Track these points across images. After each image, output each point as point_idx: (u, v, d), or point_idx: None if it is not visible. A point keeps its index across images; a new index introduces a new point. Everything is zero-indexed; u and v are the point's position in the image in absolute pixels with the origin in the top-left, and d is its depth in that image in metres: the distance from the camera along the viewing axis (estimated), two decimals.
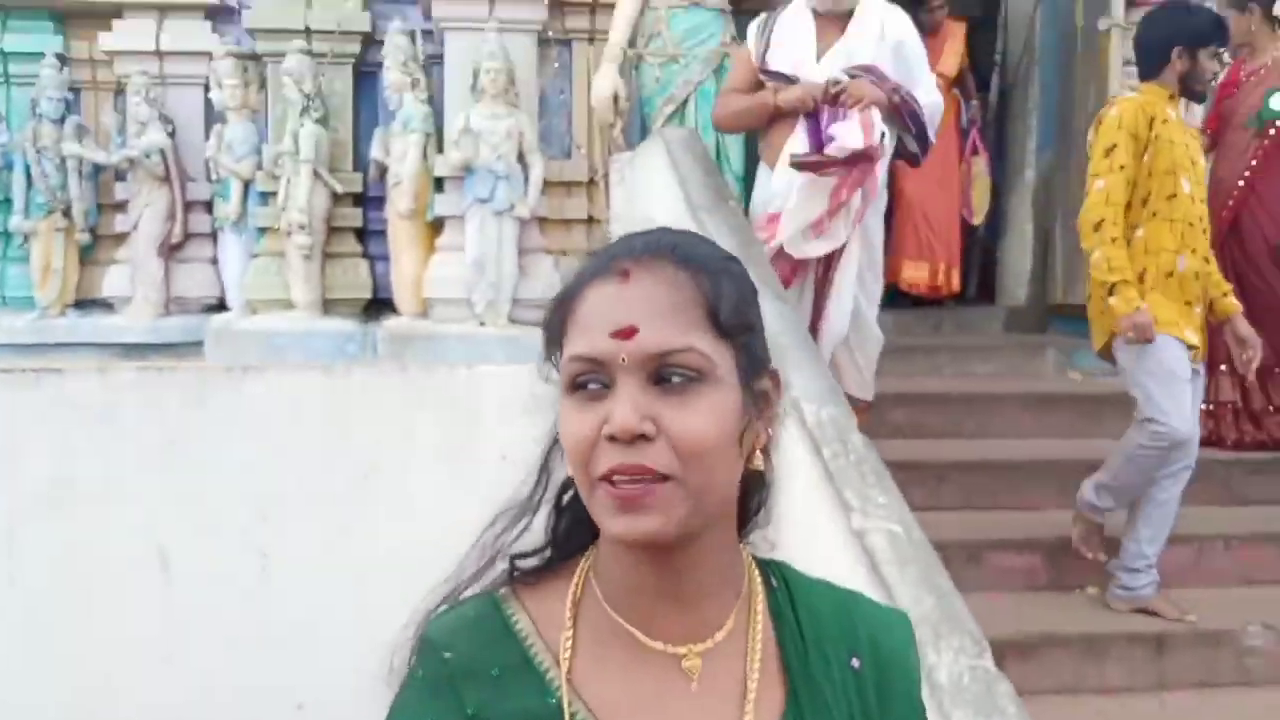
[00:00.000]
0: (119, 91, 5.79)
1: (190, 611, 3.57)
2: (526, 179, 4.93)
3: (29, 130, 5.57)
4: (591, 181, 5.16)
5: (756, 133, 3.98)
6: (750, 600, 0.89)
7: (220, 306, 5.56)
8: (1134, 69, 4.95)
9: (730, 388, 0.83)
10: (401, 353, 4.78)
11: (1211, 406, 4.14)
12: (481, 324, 4.84)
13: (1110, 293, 3.20)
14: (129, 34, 5.68)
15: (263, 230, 5.37)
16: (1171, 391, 3.26)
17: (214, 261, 5.63)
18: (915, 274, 5.41)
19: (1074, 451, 4.17)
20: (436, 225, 5.09)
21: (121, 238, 5.64)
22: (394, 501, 3.64)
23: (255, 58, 5.56)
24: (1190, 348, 3.34)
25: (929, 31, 5.28)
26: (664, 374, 0.81)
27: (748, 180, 4.79)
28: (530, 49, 5.12)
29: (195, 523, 3.60)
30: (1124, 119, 3.27)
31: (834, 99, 3.44)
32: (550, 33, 5.18)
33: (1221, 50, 3.42)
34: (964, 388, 4.52)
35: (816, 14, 3.52)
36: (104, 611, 3.56)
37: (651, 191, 4.35)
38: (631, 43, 4.86)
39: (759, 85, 3.70)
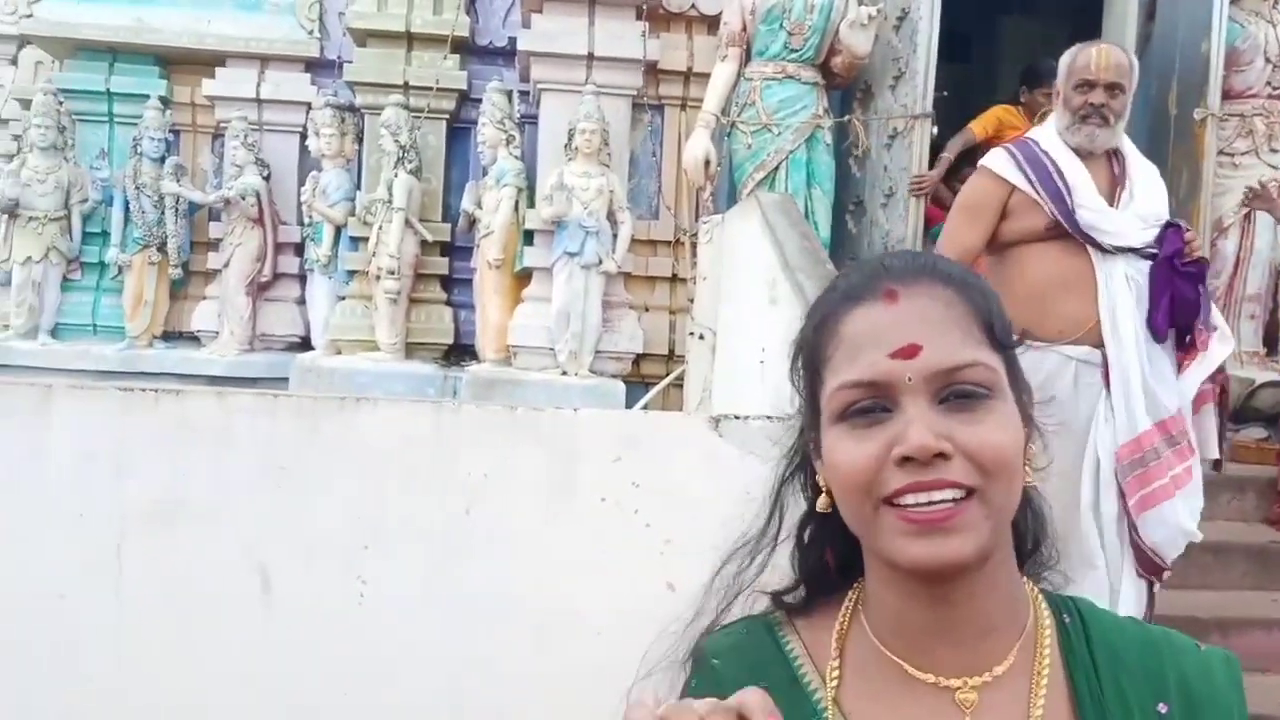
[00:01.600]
0: (217, 135, 6.04)
1: (288, 633, 3.61)
2: (615, 235, 5.07)
3: (129, 168, 5.79)
4: (678, 241, 5.30)
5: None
6: (1037, 636, 0.84)
7: (304, 345, 5.70)
8: (1226, 159, 5.12)
9: (1010, 400, 0.80)
10: (484, 397, 4.87)
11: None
12: (564, 373, 4.94)
13: None
14: (231, 81, 5.94)
15: (351, 273, 5.53)
16: None
17: (300, 301, 5.80)
18: None
19: None
20: (523, 276, 5.23)
21: (212, 274, 5.82)
22: (494, 538, 3.69)
23: (352, 109, 5.78)
24: None
25: (1036, 117, 5.03)
26: (953, 391, 0.77)
27: (832, 246, 4.91)
28: (624, 112, 5.31)
29: (299, 547, 3.66)
30: None
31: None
32: (644, 98, 5.37)
33: None
34: None
35: (1079, 152, 2.94)
36: (204, 626, 3.61)
37: (743, 252, 4.45)
38: (724, 111, 5.03)
39: (993, 227, 2.97)
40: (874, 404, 0.78)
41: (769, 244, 4.20)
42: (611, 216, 5.08)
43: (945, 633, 0.81)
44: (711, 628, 0.92)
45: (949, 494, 0.75)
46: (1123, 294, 2.86)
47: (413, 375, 5.25)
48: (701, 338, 4.76)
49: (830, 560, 0.90)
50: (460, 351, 5.52)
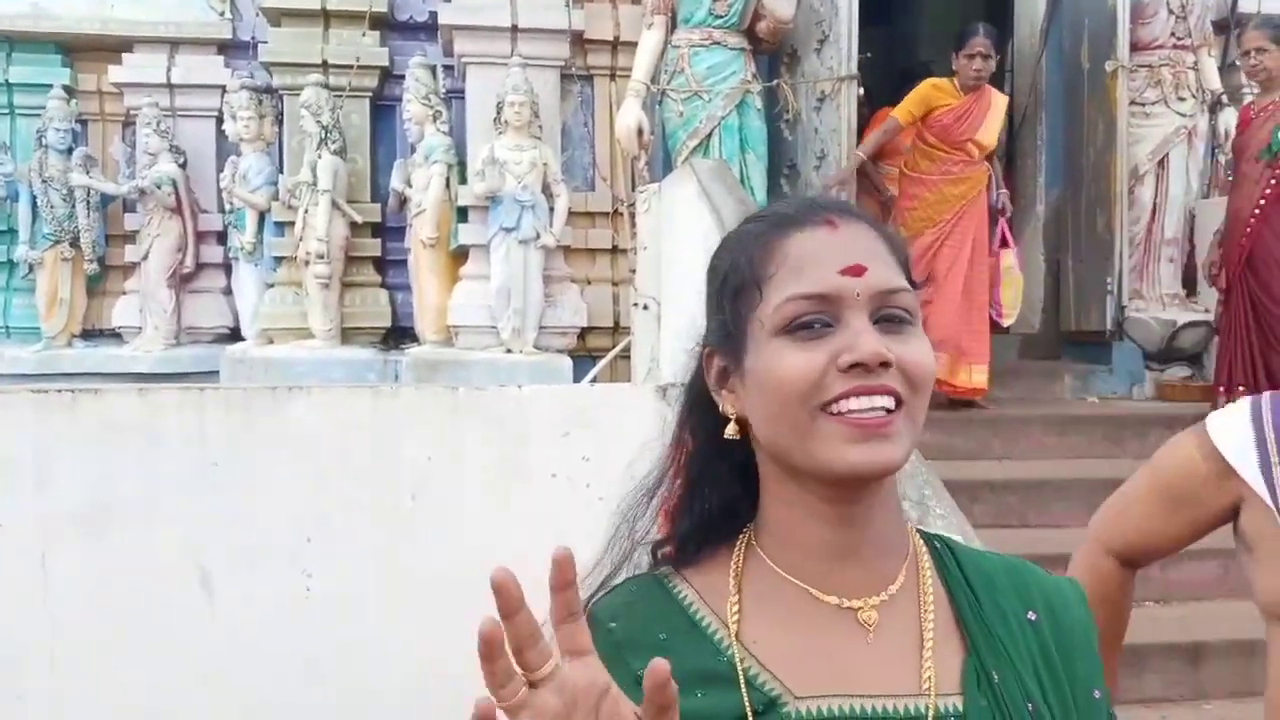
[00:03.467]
0: (127, 123, 5.78)
1: (233, 634, 3.49)
2: (551, 209, 4.98)
3: (35, 161, 5.53)
4: (616, 212, 5.23)
5: None
6: (916, 558, 0.89)
7: (233, 336, 5.52)
8: (1138, 108, 5.23)
9: (922, 333, 0.85)
10: (426, 379, 4.77)
11: None
12: (508, 351, 4.86)
13: None
14: (139, 67, 5.70)
15: (279, 260, 5.36)
16: None
17: (227, 291, 5.61)
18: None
19: (1098, 470, 4.25)
20: (459, 254, 5.12)
21: (130, 268, 5.60)
22: (442, 522, 3.61)
23: (270, 91, 5.59)
24: None
25: (969, 88, 4.64)
26: (885, 314, 0.83)
27: None
28: (553, 84, 5.22)
29: (239, 544, 3.54)
30: None
31: None
32: (573, 68, 5.28)
33: None
34: (988, 411, 4.63)
35: None
36: (144, 634, 3.47)
37: (681, 219, 4.41)
38: (654, 79, 4.97)
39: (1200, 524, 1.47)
40: (817, 319, 0.82)
41: (706, 210, 4.16)
42: (546, 190, 5.00)
43: (848, 553, 0.85)
44: (601, 588, 0.92)
45: (887, 401, 0.80)
46: None
47: (351, 361, 5.13)
48: (645, 308, 4.71)
49: (713, 507, 0.92)
50: (399, 334, 5.40)
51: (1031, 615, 0.88)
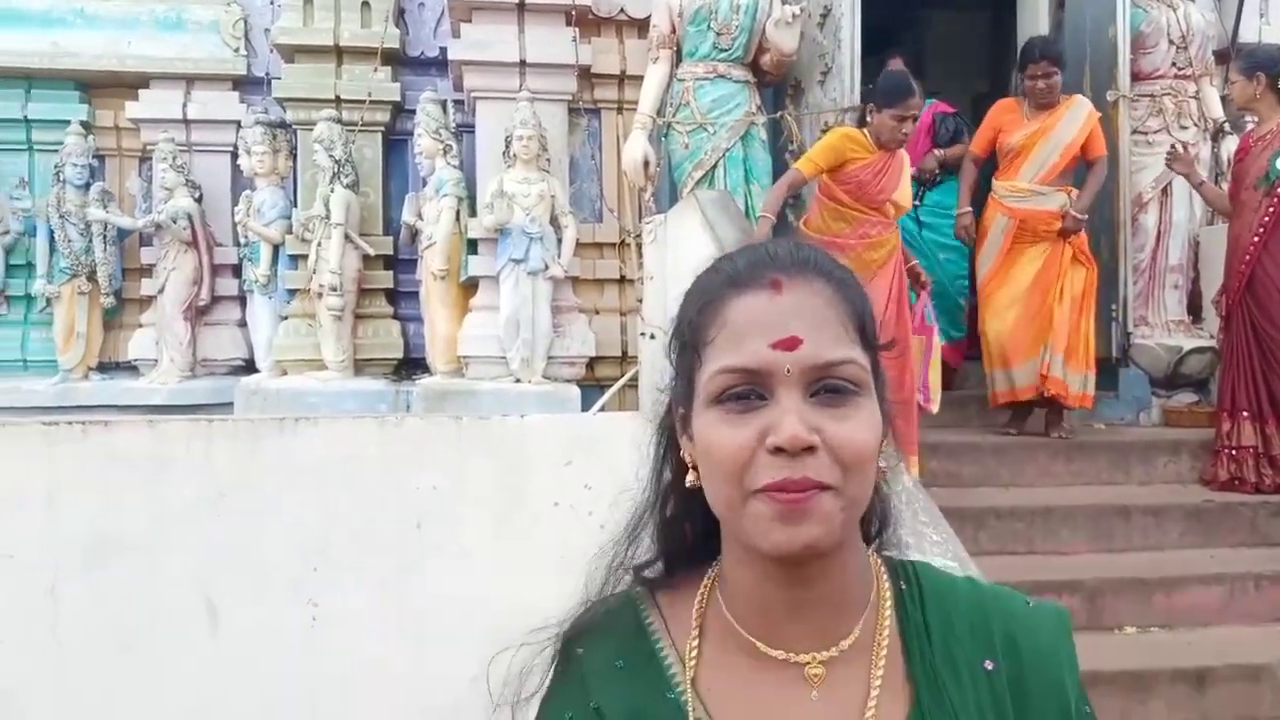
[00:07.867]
0: (144, 158, 5.89)
1: (238, 664, 3.53)
2: (559, 240, 5.04)
3: (53, 196, 5.63)
4: (623, 243, 5.28)
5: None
6: (878, 607, 0.88)
7: (248, 368, 5.59)
8: (1141, 137, 5.26)
9: (874, 399, 0.83)
10: (437, 410, 4.81)
11: (1234, 451, 4.28)
12: (516, 380, 4.90)
13: None
14: (155, 103, 5.81)
15: (293, 292, 5.43)
16: None
17: (241, 324, 5.69)
18: None
19: (1104, 497, 4.29)
20: (470, 286, 5.18)
21: (147, 301, 5.69)
22: (446, 550, 3.64)
23: (284, 125, 5.68)
24: None
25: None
26: (825, 385, 0.80)
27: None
28: (561, 117, 5.29)
29: (244, 574, 3.58)
30: None
31: None
32: (579, 102, 5.36)
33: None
34: (995, 438, 4.63)
35: None
36: (149, 665, 3.51)
37: (686, 250, 4.45)
38: (660, 112, 5.04)
39: None
40: (750, 390, 0.81)
41: (710, 240, 4.21)
42: (554, 221, 5.05)
43: (797, 611, 0.85)
44: (580, 605, 0.94)
45: (809, 490, 0.79)
46: None
47: (363, 392, 5.18)
48: (652, 337, 4.74)
49: (689, 534, 0.93)
50: (411, 365, 5.46)
51: (989, 664, 0.86)
